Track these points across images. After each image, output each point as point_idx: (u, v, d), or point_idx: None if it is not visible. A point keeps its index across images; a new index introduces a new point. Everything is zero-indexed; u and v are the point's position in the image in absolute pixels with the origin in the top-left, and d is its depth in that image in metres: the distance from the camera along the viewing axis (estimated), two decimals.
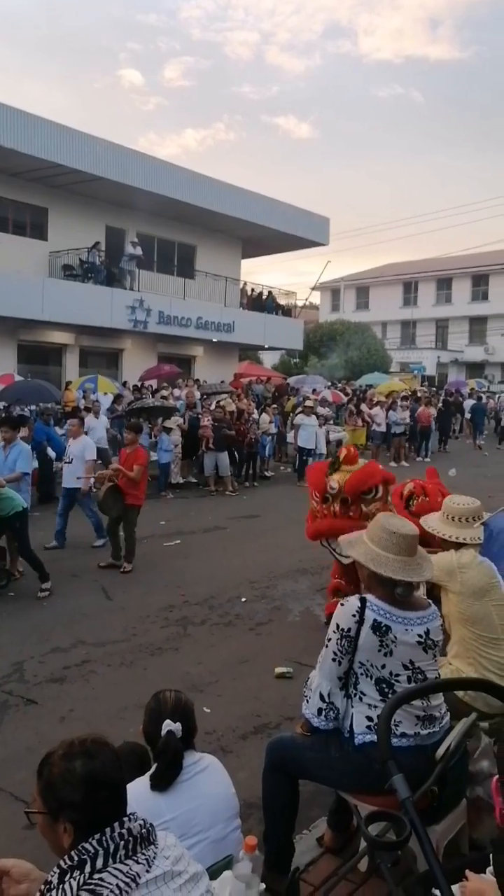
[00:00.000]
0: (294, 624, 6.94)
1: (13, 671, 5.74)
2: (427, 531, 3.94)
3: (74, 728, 4.46)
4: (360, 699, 2.71)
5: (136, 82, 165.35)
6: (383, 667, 2.68)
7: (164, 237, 25.31)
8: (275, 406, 19.25)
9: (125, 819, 1.66)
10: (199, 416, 15.74)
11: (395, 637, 2.66)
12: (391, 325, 46.56)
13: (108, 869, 1.57)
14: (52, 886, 1.57)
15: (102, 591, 7.87)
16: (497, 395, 30.60)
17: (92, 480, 9.42)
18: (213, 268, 25.86)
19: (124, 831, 1.63)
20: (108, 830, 1.61)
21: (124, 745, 2.79)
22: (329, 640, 2.75)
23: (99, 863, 1.57)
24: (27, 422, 12.85)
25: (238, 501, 13.89)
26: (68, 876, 1.56)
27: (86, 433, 13.95)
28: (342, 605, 2.77)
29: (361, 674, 2.70)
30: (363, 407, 20.84)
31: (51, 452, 13.07)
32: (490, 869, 1.98)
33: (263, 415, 17.42)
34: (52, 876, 1.59)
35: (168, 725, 2.42)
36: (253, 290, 28.66)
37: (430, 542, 3.92)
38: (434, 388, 31.40)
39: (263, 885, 2.09)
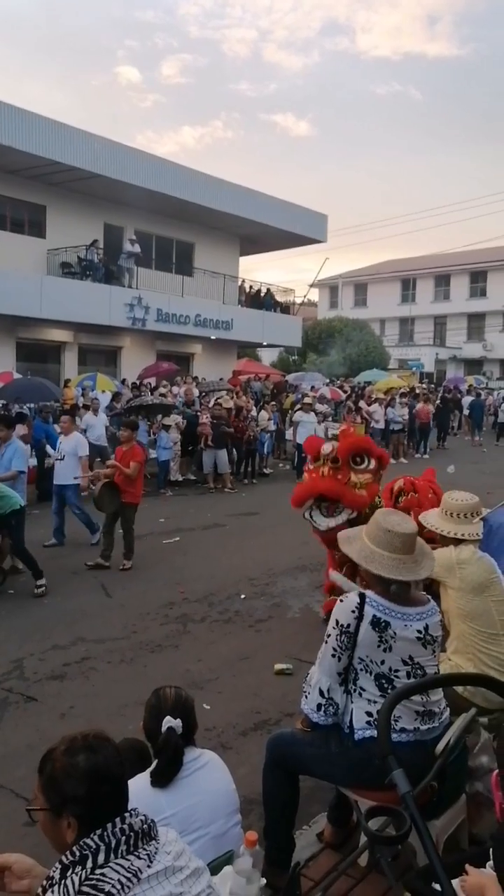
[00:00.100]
0: (293, 620, 6.95)
1: (13, 668, 5.74)
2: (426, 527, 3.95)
3: (75, 725, 4.47)
4: (360, 695, 2.72)
5: (134, 80, 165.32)
6: (383, 662, 2.69)
7: (163, 234, 25.29)
8: (273, 403, 19.25)
9: (126, 815, 1.67)
10: (198, 413, 15.74)
11: (395, 633, 2.67)
12: (389, 322, 46.54)
13: (110, 864, 1.57)
14: (53, 882, 1.57)
15: (102, 589, 7.88)
16: (495, 392, 30.58)
17: (90, 478, 9.40)
18: (211, 265, 25.84)
19: (126, 827, 1.63)
20: (109, 826, 1.62)
21: (124, 741, 2.80)
22: (328, 636, 2.76)
23: (100, 858, 1.57)
24: (26, 419, 12.85)
25: (237, 499, 13.89)
26: (70, 871, 1.56)
27: (84, 431, 14.03)
28: (341, 601, 2.77)
29: (361, 669, 2.71)
30: (362, 404, 20.83)
31: (50, 450, 13.06)
32: (490, 863, 1.99)
33: (262, 412, 17.42)
34: (54, 871, 1.59)
35: (168, 722, 2.42)
36: (251, 287, 28.64)
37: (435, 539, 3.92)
38: (432, 385, 31.38)
39: (264, 880, 2.10)
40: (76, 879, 1.55)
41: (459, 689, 3.44)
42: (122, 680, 5.52)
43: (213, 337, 25.04)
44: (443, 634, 3.14)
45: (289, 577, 8.32)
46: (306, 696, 2.85)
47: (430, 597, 2.92)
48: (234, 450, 15.87)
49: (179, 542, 10.13)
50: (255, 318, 26.57)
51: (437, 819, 2.78)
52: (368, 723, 2.68)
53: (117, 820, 1.64)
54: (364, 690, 2.71)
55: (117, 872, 1.56)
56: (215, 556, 9.32)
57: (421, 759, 2.63)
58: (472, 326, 44.77)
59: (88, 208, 22.39)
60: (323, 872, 3.01)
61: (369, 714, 2.69)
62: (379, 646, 2.67)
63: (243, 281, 28.56)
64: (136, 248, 22.52)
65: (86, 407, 15.06)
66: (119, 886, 1.54)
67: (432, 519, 4.04)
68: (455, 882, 1.86)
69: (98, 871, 1.56)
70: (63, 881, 1.56)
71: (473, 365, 43.45)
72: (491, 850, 2.05)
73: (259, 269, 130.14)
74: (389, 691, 2.64)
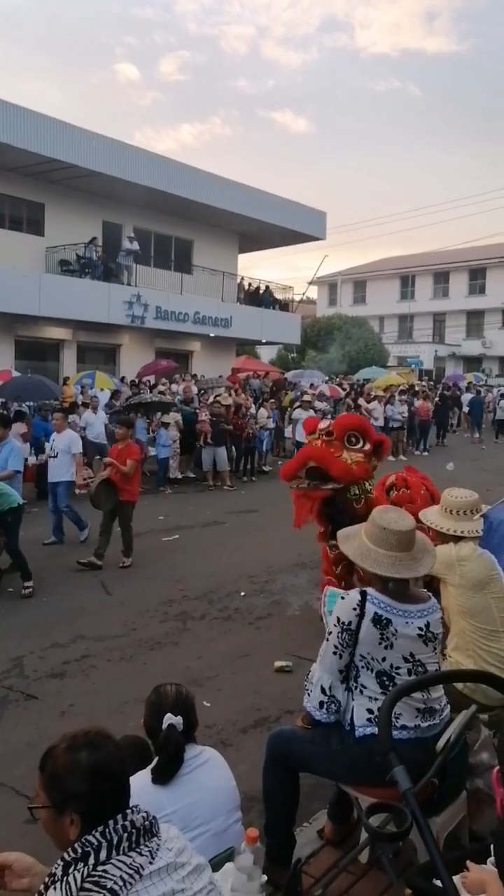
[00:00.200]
0: (293, 618, 6.95)
1: (13, 666, 5.75)
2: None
3: (75, 723, 4.47)
4: (361, 692, 2.72)
5: (133, 77, 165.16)
6: (384, 660, 2.69)
7: (161, 232, 25.27)
8: (272, 401, 19.25)
9: (128, 811, 1.67)
10: (197, 410, 15.74)
11: (396, 630, 2.67)
12: (388, 320, 46.53)
13: (112, 861, 1.57)
14: (56, 879, 1.57)
15: (102, 586, 7.89)
16: (494, 389, 30.57)
17: (86, 476, 9.40)
18: (210, 262, 25.83)
19: (127, 823, 1.64)
20: (111, 823, 1.62)
21: (125, 738, 2.79)
22: (330, 633, 2.76)
23: (103, 855, 1.58)
24: (25, 417, 12.85)
25: (236, 496, 13.90)
26: (72, 868, 1.57)
27: (84, 428, 14.04)
28: (343, 598, 2.77)
29: (362, 667, 2.71)
30: (361, 401, 20.82)
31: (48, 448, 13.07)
32: (491, 860, 2.00)
33: (261, 409, 17.42)
34: (57, 868, 1.60)
35: (169, 719, 2.42)
36: (250, 284, 28.64)
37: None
38: (431, 382, 31.39)
39: (265, 877, 2.10)
40: (78, 876, 1.55)
41: (460, 685, 3.44)
42: (121, 677, 5.52)
43: (211, 334, 25.04)
44: (443, 631, 3.14)
45: (288, 575, 8.33)
46: (308, 694, 2.85)
47: (430, 594, 2.92)
48: (233, 447, 15.87)
49: (179, 540, 10.13)
50: (253, 315, 26.57)
51: (438, 816, 2.79)
52: (369, 720, 2.69)
53: (119, 817, 1.64)
54: (365, 688, 2.72)
55: (119, 869, 1.56)
56: (215, 554, 9.32)
57: (422, 756, 2.63)
58: (471, 323, 44.78)
59: (87, 206, 22.38)
60: (324, 869, 3.02)
61: (370, 711, 2.69)
62: (380, 643, 2.67)
63: (242, 278, 28.57)
64: (135, 246, 22.50)
65: (85, 405, 15.05)
66: (121, 883, 1.54)
67: (432, 516, 4.04)
68: (456, 878, 1.86)
69: (100, 868, 1.56)
70: (65, 878, 1.56)
71: (472, 362, 43.45)
72: (492, 846, 2.05)
73: (258, 267, 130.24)
74: (390, 688, 2.64)
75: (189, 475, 15.61)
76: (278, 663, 5.64)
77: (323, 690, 2.76)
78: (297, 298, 31.00)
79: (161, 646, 6.20)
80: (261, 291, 28.34)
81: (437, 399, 23.30)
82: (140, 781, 2.32)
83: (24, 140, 18.69)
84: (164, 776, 2.40)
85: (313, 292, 45.96)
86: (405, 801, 1.87)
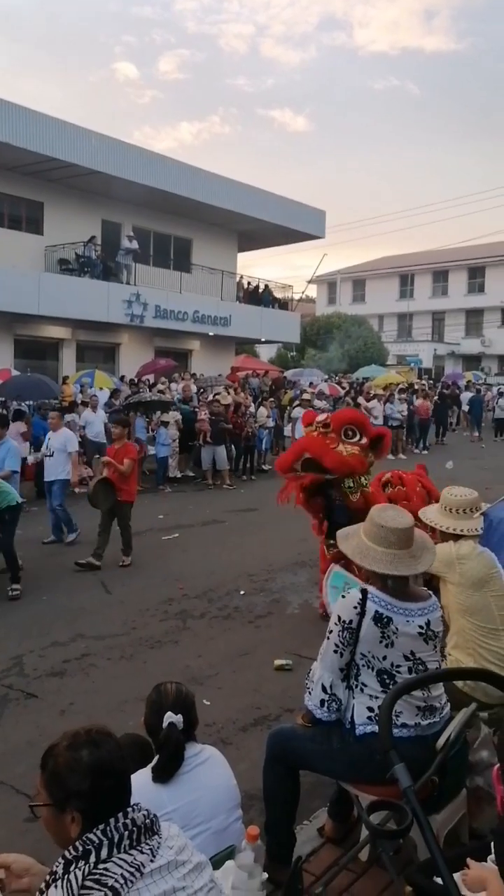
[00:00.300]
0: (293, 616, 6.95)
1: (13, 665, 5.75)
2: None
3: (75, 721, 4.46)
4: (362, 690, 2.73)
5: (132, 76, 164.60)
6: (384, 658, 2.69)
7: (160, 231, 25.26)
8: (272, 399, 19.25)
9: (129, 809, 1.67)
10: (196, 409, 15.74)
11: (397, 628, 2.67)
12: (388, 318, 46.53)
13: (113, 859, 1.57)
14: (57, 877, 1.57)
15: (101, 585, 7.88)
16: (493, 388, 30.56)
17: (86, 475, 9.39)
18: (209, 261, 25.82)
19: (128, 821, 1.64)
20: (112, 821, 1.62)
21: (126, 736, 2.79)
22: (330, 631, 2.76)
23: (104, 853, 1.58)
24: (24, 416, 12.84)
25: (236, 495, 13.90)
26: (73, 866, 1.57)
27: (83, 427, 14.04)
28: (343, 596, 2.77)
29: (363, 665, 2.71)
30: (360, 400, 20.81)
31: None
32: (491, 857, 2.00)
33: (261, 408, 17.42)
34: (57, 867, 1.60)
35: (170, 717, 2.42)
36: (249, 283, 28.63)
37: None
38: (431, 381, 31.39)
39: (266, 875, 2.10)
40: (79, 874, 1.55)
41: (460, 683, 3.45)
42: (121, 676, 5.52)
43: (211, 333, 25.03)
44: (443, 630, 3.14)
45: (288, 573, 8.33)
46: (309, 693, 2.85)
47: (431, 592, 2.92)
48: (232, 446, 15.87)
49: (178, 539, 10.13)
50: (253, 314, 26.57)
51: (438, 813, 2.79)
52: (370, 718, 2.69)
53: (120, 815, 1.64)
54: (366, 686, 2.72)
55: (120, 867, 1.56)
56: (214, 553, 9.32)
57: (422, 754, 2.64)
58: (471, 322, 44.77)
59: (86, 205, 22.36)
60: (324, 867, 3.02)
61: (370, 709, 2.70)
62: (381, 641, 2.67)
63: (241, 277, 28.56)
64: (134, 245, 22.50)
65: (84, 404, 15.05)
66: (122, 881, 1.54)
67: (431, 515, 4.05)
68: (457, 876, 1.86)
69: (101, 866, 1.56)
70: (66, 876, 1.56)
71: (471, 361, 43.46)
72: (492, 843, 2.05)
73: (257, 266, 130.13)
74: (391, 687, 2.64)
75: (188, 474, 15.61)
76: (278, 662, 5.64)
77: (324, 689, 2.76)
78: (297, 297, 31.03)
79: (161, 644, 6.20)
80: (260, 290, 28.33)
81: (436, 398, 23.31)
82: (140, 780, 2.32)
83: (23, 139, 18.68)
84: (164, 774, 2.40)
85: (312, 291, 46.01)
86: (406, 798, 1.88)
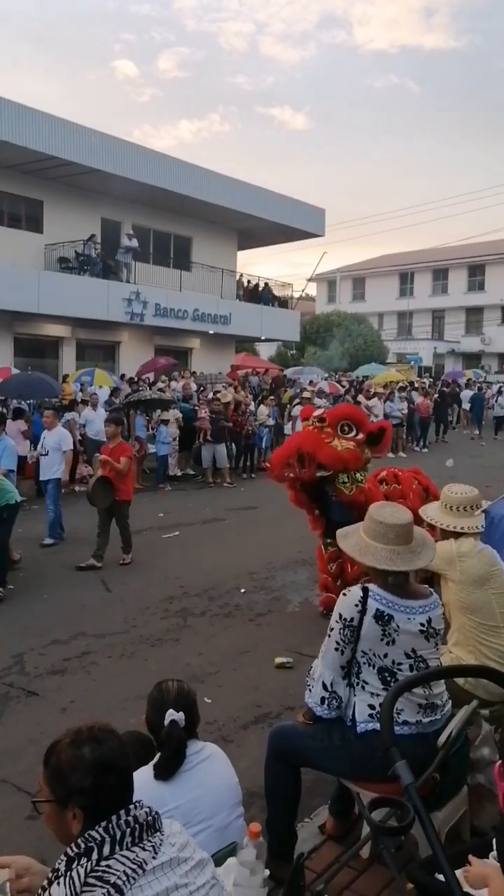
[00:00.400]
0: (293, 614, 6.96)
1: (14, 663, 5.75)
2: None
3: (76, 719, 4.44)
4: (363, 688, 2.73)
5: (131, 74, 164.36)
6: (385, 656, 2.69)
7: (160, 229, 25.24)
8: (272, 398, 19.24)
9: (131, 807, 1.67)
10: (195, 407, 15.74)
11: (398, 626, 2.67)
12: (388, 316, 46.51)
13: (115, 856, 1.58)
14: (59, 874, 1.58)
15: (102, 583, 7.89)
16: (493, 385, 30.54)
17: (86, 473, 9.36)
18: (209, 259, 25.80)
19: (130, 818, 1.64)
20: (114, 818, 1.62)
21: (128, 734, 2.80)
22: (331, 629, 2.76)
23: (106, 850, 1.58)
24: (24, 415, 12.84)
25: (236, 493, 13.90)
26: (75, 863, 1.57)
27: (83, 426, 14.03)
28: (344, 594, 2.78)
29: (364, 663, 2.72)
30: (361, 398, 20.81)
31: None
32: (493, 854, 2.00)
33: (261, 407, 17.42)
34: (60, 864, 1.60)
35: (171, 715, 2.43)
36: (249, 281, 28.61)
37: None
38: (431, 379, 31.38)
39: (268, 871, 2.11)
40: (82, 871, 1.55)
41: (461, 681, 3.45)
42: (122, 674, 5.53)
43: (211, 331, 25.02)
44: (444, 627, 3.14)
45: (288, 571, 8.33)
46: (310, 690, 2.85)
47: (432, 590, 2.92)
48: (232, 444, 15.87)
49: (178, 537, 10.13)
50: (253, 312, 26.55)
51: (439, 811, 2.80)
52: (371, 716, 2.69)
53: (122, 812, 1.64)
54: (367, 684, 2.72)
55: (123, 864, 1.57)
56: (215, 551, 9.32)
57: (423, 752, 2.64)
58: (471, 320, 44.76)
59: (86, 203, 22.34)
60: (325, 864, 3.02)
61: (372, 707, 2.70)
62: (382, 639, 2.68)
63: (241, 275, 28.53)
64: (134, 243, 22.48)
65: (84, 402, 15.03)
66: (125, 878, 1.54)
67: (432, 512, 4.05)
68: (458, 872, 1.87)
69: (104, 863, 1.56)
70: (69, 873, 1.56)
71: (472, 359, 43.46)
72: (494, 840, 2.06)
73: (257, 264, 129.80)
74: (392, 684, 2.65)
75: (189, 472, 15.61)
76: (279, 659, 5.65)
77: (324, 686, 2.76)
78: (297, 295, 31.00)
79: (162, 642, 6.20)
80: (260, 288, 28.31)
81: (436, 396, 23.32)
82: (142, 777, 2.32)
83: (22, 137, 18.65)
84: (166, 772, 2.40)
85: (312, 289, 45.96)
86: (407, 795, 1.88)
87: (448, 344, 44.21)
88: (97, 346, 23.54)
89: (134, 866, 1.57)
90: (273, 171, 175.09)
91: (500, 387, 27.70)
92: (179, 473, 15.29)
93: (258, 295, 27.92)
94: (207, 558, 8.92)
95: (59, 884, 1.56)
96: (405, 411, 20.10)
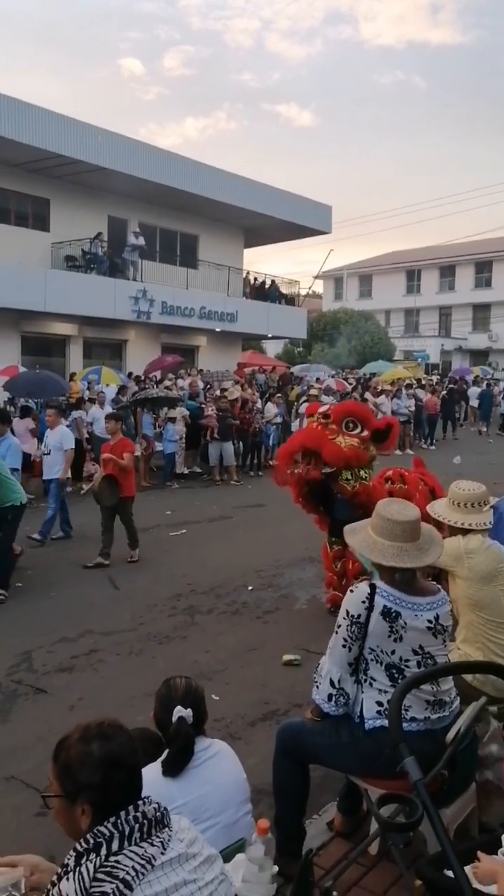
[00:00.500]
0: (301, 612, 6.96)
1: (22, 661, 5.77)
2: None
3: (83, 717, 4.46)
4: (371, 685, 2.73)
5: (137, 72, 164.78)
6: (393, 652, 2.69)
7: (167, 227, 25.24)
8: (279, 395, 19.23)
9: (140, 802, 1.68)
10: (202, 405, 15.75)
11: (405, 623, 2.67)
12: (394, 313, 46.41)
13: (124, 851, 1.58)
14: (69, 869, 1.58)
15: (109, 581, 7.90)
16: (501, 382, 30.43)
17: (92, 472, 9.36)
18: (215, 257, 25.79)
19: (139, 814, 1.64)
20: (122, 814, 1.63)
21: (136, 730, 2.80)
22: (339, 626, 2.76)
23: (115, 845, 1.58)
24: (31, 413, 12.86)
25: (243, 491, 13.90)
26: (84, 859, 1.58)
27: (90, 424, 14.05)
28: (352, 591, 2.77)
29: (371, 660, 2.71)
30: (368, 395, 20.78)
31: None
32: (502, 850, 2.00)
33: (269, 404, 17.41)
34: (69, 859, 1.61)
35: (179, 711, 2.43)
36: (256, 279, 28.58)
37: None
38: (438, 376, 31.30)
39: (276, 868, 2.11)
40: (91, 867, 1.56)
41: (469, 677, 3.44)
42: (130, 671, 5.54)
43: (217, 329, 25.02)
44: (452, 624, 3.14)
45: (296, 569, 8.33)
46: (317, 687, 2.85)
47: (440, 587, 2.92)
48: (239, 442, 15.87)
49: (186, 535, 10.14)
50: (259, 310, 26.54)
51: (448, 807, 2.79)
52: (379, 712, 2.69)
53: (131, 808, 1.65)
54: (375, 680, 2.72)
55: (131, 859, 1.57)
56: (222, 548, 9.33)
57: (431, 748, 2.63)
58: (478, 317, 44.63)
59: (92, 201, 22.36)
60: (334, 861, 3.02)
61: (380, 704, 2.70)
62: (389, 636, 2.67)
63: (248, 273, 28.52)
64: (141, 241, 22.49)
65: (91, 400, 15.05)
66: (133, 873, 1.55)
67: (440, 509, 4.04)
68: (467, 869, 1.87)
69: (112, 859, 1.57)
70: (78, 868, 1.57)
71: (479, 355, 43.32)
72: (502, 837, 2.05)
73: (263, 261, 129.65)
74: (400, 681, 2.64)
75: (195, 470, 15.62)
76: (286, 657, 5.65)
77: (332, 683, 2.76)
78: (303, 293, 31.00)
79: (169, 640, 6.21)
80: (266, 286, 28.28)
81: (444, 393, 23.26)
82: (151, 773, 2.32)
83: (28, 135, 18.68)
84: (174, 768, 2.41)
85: (319, 286, 45.91)
86: (416, 791, 1.88)
87: (455, 341, 44.10)
88: (104, 344, 23.57)
89: (143, 862, 1.58)
90: (279, 168, 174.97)
91: None
92: (186, 471, 15.30)
93: (265, 292, 27.89)
94: (214, 556, 8.93)
95: (68, 879, 1.57)
96: (412, 408, 20.06)
